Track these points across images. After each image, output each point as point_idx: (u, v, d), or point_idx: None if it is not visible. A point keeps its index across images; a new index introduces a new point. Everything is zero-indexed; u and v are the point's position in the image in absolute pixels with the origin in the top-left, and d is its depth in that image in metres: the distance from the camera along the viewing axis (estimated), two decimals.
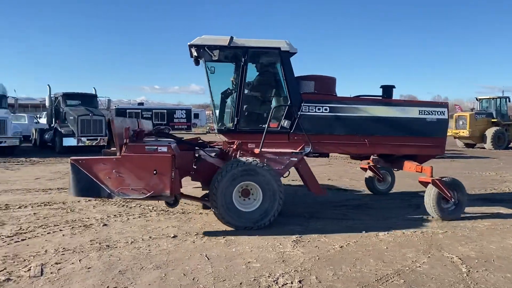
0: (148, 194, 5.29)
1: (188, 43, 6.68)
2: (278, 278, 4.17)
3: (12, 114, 18.36)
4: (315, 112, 6.79)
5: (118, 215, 6.67)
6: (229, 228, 5.91)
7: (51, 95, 18.90)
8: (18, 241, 5.23)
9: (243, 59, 6.63)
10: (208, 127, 41.21)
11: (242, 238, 5.50)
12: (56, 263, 4.49)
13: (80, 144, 17.48)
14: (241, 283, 4.04)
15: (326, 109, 6.81)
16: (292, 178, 11.23)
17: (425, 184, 6.69)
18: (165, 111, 44.06)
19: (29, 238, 5.39)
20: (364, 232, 5.86)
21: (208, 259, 4.71)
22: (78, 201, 7.57)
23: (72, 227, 5.89)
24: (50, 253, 4.81)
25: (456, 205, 6.58)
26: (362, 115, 6.90)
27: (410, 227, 6.12)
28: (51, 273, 4.23)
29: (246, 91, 6.83)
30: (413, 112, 6.99)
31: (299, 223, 6.34)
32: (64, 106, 18.73)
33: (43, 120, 24.07)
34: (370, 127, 6.92)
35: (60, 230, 5.78)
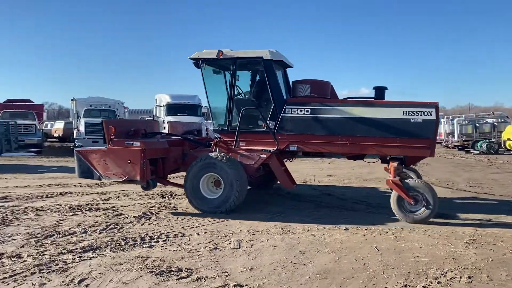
0: (124, 178, 6.76)
1: (188, 57, 7.82)
2: (446, 272, 4.35)
3: (205, 121, 21.34)
4: (297, 113, 7.25)
5: (295, 207, 7.57)
6: (397, 225, 6.23)
7: None
8: (219, 222, 6.48)
9: (232, 68, 7.56)
10: None
11: (412, 235, 5.75)
12: (249, 240, 5.50)
13: None
14: (409, 272, 4.36)
15: (307, 111, 7.19)
16: (470, 186, 10.71)
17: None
18: None
19: (227, 220, 6.60)
20: None
21: (378, 250, 5.12)
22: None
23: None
24: (243, 232, 5.88)
25: (423, 208, 6.41)
26: (343, 116, 7.05)
27: None
28: (246, 247, 5.23)
29: (236, 96, 7.73)
30: (396, 113, 6.81)
31: (473, 226, 6.24)
32: None
33: None
34: (351, 127, 7.03)
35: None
